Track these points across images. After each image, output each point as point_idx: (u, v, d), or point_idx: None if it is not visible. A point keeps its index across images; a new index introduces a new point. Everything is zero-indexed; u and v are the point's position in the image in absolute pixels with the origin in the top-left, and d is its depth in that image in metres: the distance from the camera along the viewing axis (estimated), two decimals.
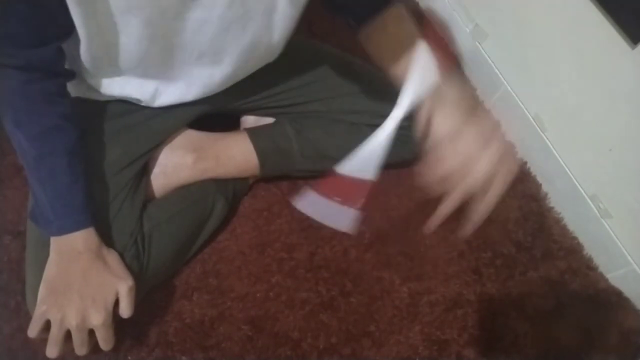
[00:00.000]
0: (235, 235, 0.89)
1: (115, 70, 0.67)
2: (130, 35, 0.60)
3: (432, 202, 0.58)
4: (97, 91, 0.72)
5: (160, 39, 0.62)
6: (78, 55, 0.63)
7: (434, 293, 0.88)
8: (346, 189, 0.52)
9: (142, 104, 0.74)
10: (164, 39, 0.62)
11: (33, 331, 0.61)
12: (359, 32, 0.69)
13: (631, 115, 0.81)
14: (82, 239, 0.63)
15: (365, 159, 0.52)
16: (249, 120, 0.92)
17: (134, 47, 0.62)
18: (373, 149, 0.53)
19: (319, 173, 0.92)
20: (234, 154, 0.84)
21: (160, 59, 0.66)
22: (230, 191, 0.86)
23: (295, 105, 0.86)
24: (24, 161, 0.63)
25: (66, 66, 0.65)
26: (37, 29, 0.57)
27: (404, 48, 0.62)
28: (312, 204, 0.54)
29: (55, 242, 0.63)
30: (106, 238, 0.67)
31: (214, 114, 0.85)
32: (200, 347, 0.79)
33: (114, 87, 0.70)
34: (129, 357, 0.77)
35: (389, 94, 0.87)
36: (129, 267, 0.67)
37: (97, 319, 0.61)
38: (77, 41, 0.61)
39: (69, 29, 0.58)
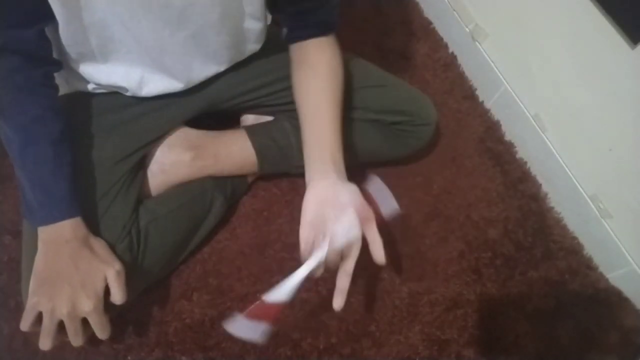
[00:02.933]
0: (235, 235, 0.89)
1: (95, 54, 0.67)
2: (104, 12, 0.60)
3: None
4: (86, 81, 0.72)
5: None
6: (59, 37, 0.63)
7: (434, 293, 0.88)
8: (269, 312, 0.64)
9: (129, 94, 0.74)
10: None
11: (25, 324, 0.61)
12: (288, 43, 0.74)
13: (631, 115, 0.81)
14: (69, 228, 0.62)
15: (287, 287, 0.63)
16: (249, 119, 0.92)
17: (109, 22, 0.62)
18: (295, 281, 0.63)
19: None
20: (233, 151, 0.84)
21: (136, 36, 0.65)
22: (229, 189, 0.86)
23: (293, 102, 0.86)
24: (9, 151, 0.63)
25: (54, 56, 0.66)
26: (14, 7, 0.57)
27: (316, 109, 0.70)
28: (242, 327, 0.64)
29: (42, 233, 0.63)
30: (97, 230, 0.67)
31: (213, 113, 0.85)
32: (200, 347, 0.79)
33: (100, 75, 0.70)
34: (129, 357, 0.77)
35: (386, 90, 0.87)
36: (120, 258, 0.66)
37: (88, 305, 0.60)
38: (57, 25, 0.61)
39: (47, 9, 0.58)
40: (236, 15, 0.70)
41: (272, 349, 0.80)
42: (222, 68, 0.77)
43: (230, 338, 0.80)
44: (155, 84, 0.73)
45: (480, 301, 0.88)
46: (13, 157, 0.63)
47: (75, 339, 0.61)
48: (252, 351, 0.79)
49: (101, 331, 0.62)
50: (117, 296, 0.63)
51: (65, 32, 0.62)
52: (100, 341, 0.64)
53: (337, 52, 0.74)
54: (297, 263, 0.88)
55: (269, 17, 0.86)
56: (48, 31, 0.63)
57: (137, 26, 0.64)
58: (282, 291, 0.63)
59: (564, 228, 0.99)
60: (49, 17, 0.60)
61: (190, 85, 0.76)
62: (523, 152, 1.06)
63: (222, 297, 0.83)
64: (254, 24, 0.74)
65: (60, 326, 0.61)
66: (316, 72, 0.72)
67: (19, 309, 0.77)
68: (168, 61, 0.71)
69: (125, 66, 0.70)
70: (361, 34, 1.19)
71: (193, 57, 0.72)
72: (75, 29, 0.62)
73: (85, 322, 0.62)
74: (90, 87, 0.74)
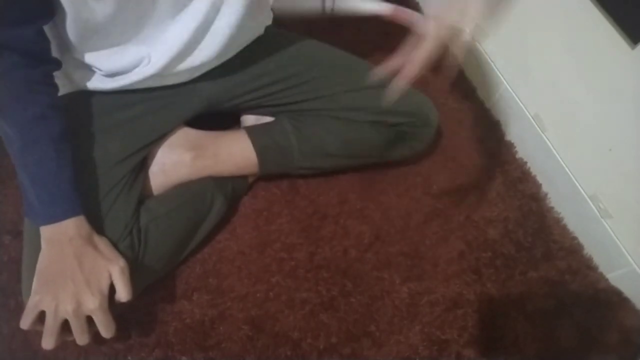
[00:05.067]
0: (235, 235, 0.89)
1: (102, 38, 0.67)
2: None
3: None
4: (90, 75, 0.72)
5: None
6: (64, 31, 0.63)
7: (434, 293, 0.88)
8: None
9: (136, 75, 0.73)
10: None
11: (25, 322, 0.61)
12: None
13: (631, 115, 0.81)
14: (72, 227, 0.62)
15: None
16: (249, 120, 0.92)
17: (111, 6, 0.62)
18: None
19: (319, 170, 0.93)
20: (233, 151, 0.84)
21: (142, 14, 0.65)
22: (230, 189, 0.86)
23: (294, 103, 0.86)
24: (10, 150, 0.63)
25: (53, 54, 0.66)
26: (13, 5, 0.57)
27: None
28: None
29: (45, 232, 0.63)
30: (99, 229, 0.67)
31: (213, 114, 0.85)
32: (200, 347, 0.79)
33: (102, 59, 0.70)
34: (129, 357, 0.77)
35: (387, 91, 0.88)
36: (122, 255, 0.66)
37: (93, 302, 0.60)
38: (61, 17, 0.61)
39: (47, 6, 0.59)
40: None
41: (272, 349, 0.80)
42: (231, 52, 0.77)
43: (231, 338, 0.80)
44: (159, 58, 0.72)
45: (480, 301, 0.88)
46: (14, 156, 0.63)
47: (81, 337, 0.61)
48: (252, 351, 0.79)
49: (106, 329, 0.62)
50: (123, 293, 0.63)
51: (73, 20, 0.62)
52: (103, 340, 0.64)
53: None
54: (297, 262, 0.88)
55: (270, 16, 0.86)
56: (47, 29, 0.63)
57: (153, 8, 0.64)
58: None
59: (564, 228, 0.99)
60: (49, 14, 0.60)
61: (198, 63, 0.75)
62: (523, 152, 1.06)
63: (222, 297, 0.83)
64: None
65: (63, 325, 0.61)
66: None
67: (19, 309, 0.77)
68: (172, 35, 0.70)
69: (126, 44, 0.69)
70: (361, 34, 1.19)
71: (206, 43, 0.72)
72: (84, 18, 0.62)
73: (89, 320, 0.62)
74: (93, 84, 0.74)
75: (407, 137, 0.89)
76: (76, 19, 0.62)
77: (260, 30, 0.81)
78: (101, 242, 0.65)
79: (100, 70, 0.72)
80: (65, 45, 0.67)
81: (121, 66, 0.71)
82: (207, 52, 0.74)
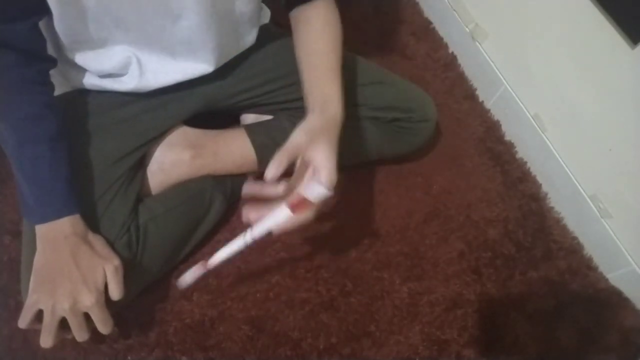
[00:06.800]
0: (235, 235, 0.89)
1: (94, 39, 0.67)
2: None
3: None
4: (84, 74, 0.72)
5: None
6: (55, 31, 0.63)
7: (434, 293, 0.88)
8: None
9: (128, 79, 0.73)
10: None
11: (23, 322, 0.61)
12: (288, 12, 0.75)
13: (631, 115, 0.81)
14: (68, 225, 0.62)
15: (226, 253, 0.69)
16: (249, 118, 0.92)
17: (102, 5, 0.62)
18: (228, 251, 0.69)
19: None
20: (232, 150, 0.84)
21: (135, 18, 0.65)
22: (229, 188, 0.86)
23: (292, 100, 0.86)
24: (5, 149, 0.63)
25: (49, 52, 0.66)
26: (6, 0, 0.57)
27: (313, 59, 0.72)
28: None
29: (40, 230, 0.63)
30: (96, 227, 0.67)
31: (212, 113, 0.85)
32: (200, 347, 0.79)
33: (98, 61, 0.70)
34: (129, 357, 0.77)
35: (385, 87, 0.88)
36: (119, 255, 0.66)
37: (89, 299, 0.60)
38: (52, 16, 0.61)
39: (41, 1, 0.58)
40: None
41: (272, 349, 0.80)
42: (215, 60, 0.77)
43: (231, 338, 0.80)
44: (153, 64, 0.73)
45: (480, 301, 0.88)
46: (9, 155, 0.63)
47: (80, 334, 0.61)
48: (252, 351, 0.79)
49: (104, 325, 0.62)
50: (115, 292, 0.63)
51: (60, 20, 0.62)
52: (102, 338, 0.63)
53: (333, 7, 0.75)
54: (297, 262, 0.88)
55: (268, 14, 0.86)
56: (42, 26, 0.63)
57: (138, 10, 0.64)
58: (221, 255, 0.70)
59: (564, 228, 0.99)
60: (43, 9, 0.60)
61: (193, 66, 0.75)
62: (523, 152, 1.06)
63: (222, 297, 0.83)
64: (245, 7, 0.74)
65: (61, 324, 0.61)
66: (310, 26, 0.73)
67: (19, 309, 0.76)
68: (169, 47, 0.71)
69: (119, 46, 0.69)
70: (361, 34, 1.19)
71: (193, 47, 0.72)
72: (71, 17, 0.62)
73: (86, 317, 0.62)
74: (89, 81, 0.74)
75: (406, 133, 0.89)
76: (63, 18, 0.62)
77: (247, 43, 0.81)
78: (96, 241, 0.65)
79: (89, 70, 0.72)
80: (58, 43, 0.67)
81: (110, 67, 0.71)
82: (204, 57, 0.74)
